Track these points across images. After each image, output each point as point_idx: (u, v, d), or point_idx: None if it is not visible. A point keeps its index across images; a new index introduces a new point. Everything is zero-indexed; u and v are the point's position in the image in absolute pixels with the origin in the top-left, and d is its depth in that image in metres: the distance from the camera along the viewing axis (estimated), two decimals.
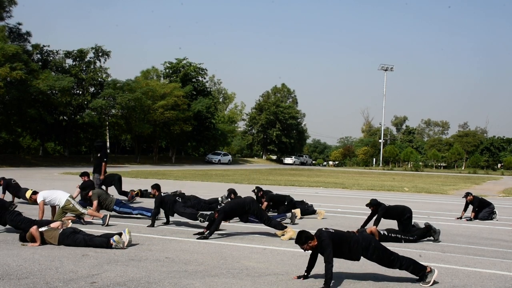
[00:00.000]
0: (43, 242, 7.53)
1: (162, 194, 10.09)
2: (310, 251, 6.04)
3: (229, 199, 12.90)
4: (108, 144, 57.72)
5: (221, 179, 27.53)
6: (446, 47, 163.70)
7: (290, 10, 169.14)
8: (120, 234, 7.55)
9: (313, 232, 6.11)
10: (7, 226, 8.68)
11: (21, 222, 8.27)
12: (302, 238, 5.94)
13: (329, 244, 5.76)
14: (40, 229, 7.64)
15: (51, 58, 47.89)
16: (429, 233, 9.19)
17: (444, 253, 8.15)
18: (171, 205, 9.76)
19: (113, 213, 10.76)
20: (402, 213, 9.37)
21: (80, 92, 48.32)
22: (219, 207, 9.66)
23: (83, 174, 12.53)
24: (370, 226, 9.04)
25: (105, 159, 13.66)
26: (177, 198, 10.21)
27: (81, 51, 48.04)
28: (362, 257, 6.05)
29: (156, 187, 10.31)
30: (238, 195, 11.99)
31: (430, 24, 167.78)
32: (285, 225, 9.12)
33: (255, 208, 8.93)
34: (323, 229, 6.04)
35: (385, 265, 6.09)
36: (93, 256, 6.88)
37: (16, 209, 8.96)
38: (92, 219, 9.98)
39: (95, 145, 14.75)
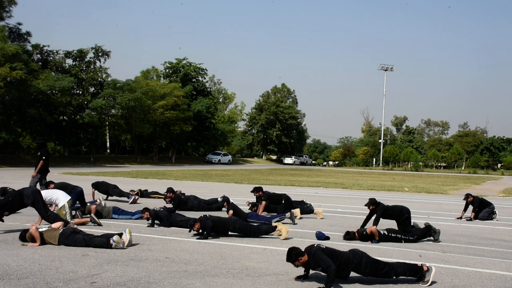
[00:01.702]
0: (43, 242, 7.53)
1: (156, 209, 10.15)
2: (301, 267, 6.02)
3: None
4: (108, 144, 57.80)
5: (221, 179, 27.53)
6: (446, 47, 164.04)
7: (290, 10, 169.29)
8: (120, 235, 7.54)
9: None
10: (8, 227, 8.67)
11: (38, 202, 8.43)
12: (292, 256, 5.92)
13: (322, 254, 5.78)
14: (40, 229, 7.64)
15: (51, 58, 47.89)
16: (429, 233, 9.19)
17: (444, 253, 8.15)
18: (167, 218, 9.82)
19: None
20: (400, 214, 9.35)
21: (80, 92, 48.33)
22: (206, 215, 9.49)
23: (49, 183, 12.03)
24: (370, 226, 9.03)
25: (43, 158, 12.99)
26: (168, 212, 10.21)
27: (81, 51, 48.07)
28: (355, 273, 6.01)
29: (147, 210, 10.33)
30: (231, 202, 11.72)
31: (430, 24, 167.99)
32: (274, 225, 9.06)
33: (239, 226, 8.83)
34: (314, 245, 6.05)
35: (381, 277, 6.07)
36: (93, 256, 6.88)
37: (7, 216, 8.85)
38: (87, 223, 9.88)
39: (36, 142, 13.91)
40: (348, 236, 8.94)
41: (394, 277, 6.06)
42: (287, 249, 6.07)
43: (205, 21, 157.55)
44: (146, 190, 16.19)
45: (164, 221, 9.84)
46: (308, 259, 5.89)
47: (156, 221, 9.85)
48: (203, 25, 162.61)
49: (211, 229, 8.63)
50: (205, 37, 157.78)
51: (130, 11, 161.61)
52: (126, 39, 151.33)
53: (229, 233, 8.89)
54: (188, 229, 8.92)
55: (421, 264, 6.15)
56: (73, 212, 10.03)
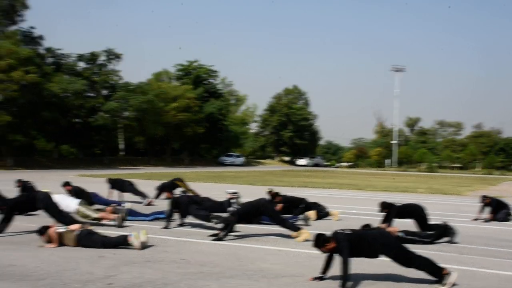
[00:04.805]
0: (61, 243, 7.59)
1: (176, 195, 10.13)
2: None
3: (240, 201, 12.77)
4: (122, 146, 58.17)
5: (235, 180, 27.55)
6: (449, 47, 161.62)
7: (299, 11, 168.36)
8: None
9: (326, 233, 6.06)
10: (25, 228, 8.76)
11: (51, 207, 8.54)
12: (320, 241, 5.91)
13: (346, 247, 5.72)
14: (58, 230, 7.71)
15: (64, 61, 48.35)
16: (446, 232, 9.07)
17: (461, 254, 8.06)
18: (186, 206, 9.78)
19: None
20: (415, 211, 9.41)
21: (93, 95, 48.74)
22: (232, 207, 9.68)
23: (65, 184, 11.86)
24: (391, 227, 8.97)
25: None
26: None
27: (93, 54, 48.51)
28: (380, 255, 6.00)
29: (170, 189, 10.36)
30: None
31: (433, 25, 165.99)
32: (299, 226, 9.08)
33: (270, 209, 8.90)
34: (339, 230, 5.99)
35: (402, 263, 6.03)
36: (110, 258, 6.92)
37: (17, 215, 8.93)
38: (109, 220, 9.98)
39: None
40: None
41: (413, 268, 6.01)
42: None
43: (205, 21, 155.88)
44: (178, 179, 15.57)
45: (182, 209, 9.78)
46: (336, 246, 5.85)
47: (174, 210, 9.80)
48: (203, 25, 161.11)
49: (234, 223, 8.72)
50: (205, 37, 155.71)
51: (130, 11, 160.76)
52: (126, 39, 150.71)
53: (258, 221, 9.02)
54: (221, 220, 9.11)
55: (444, 268, 6.06)
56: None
